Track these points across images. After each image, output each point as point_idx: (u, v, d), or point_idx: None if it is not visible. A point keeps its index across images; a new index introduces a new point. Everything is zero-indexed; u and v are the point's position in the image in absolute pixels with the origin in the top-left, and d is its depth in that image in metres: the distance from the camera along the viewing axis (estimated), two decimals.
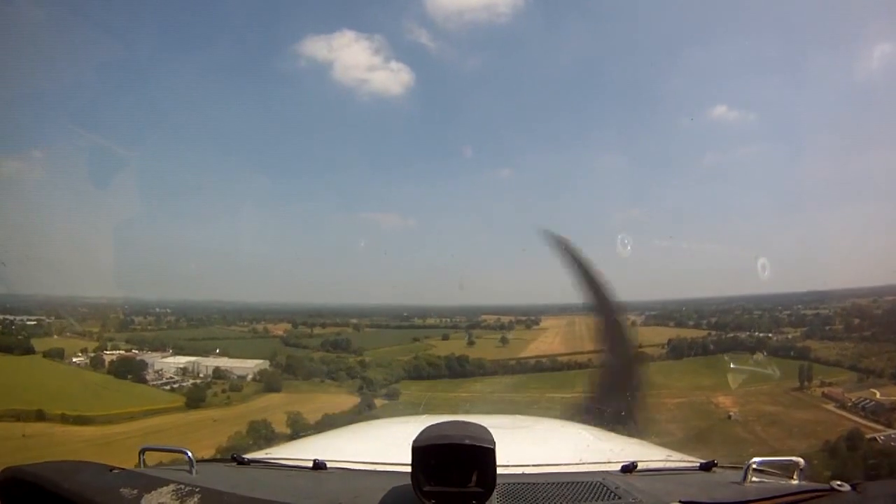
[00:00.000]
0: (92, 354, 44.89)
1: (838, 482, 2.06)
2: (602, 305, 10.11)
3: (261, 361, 47.46)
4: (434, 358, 48.21)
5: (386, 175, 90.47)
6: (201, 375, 45.53)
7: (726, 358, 42.66)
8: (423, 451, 1.86)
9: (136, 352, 47.37)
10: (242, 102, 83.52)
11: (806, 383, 41.35)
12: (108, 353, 45.91)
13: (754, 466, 2.28)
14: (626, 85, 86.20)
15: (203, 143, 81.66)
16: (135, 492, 1.91)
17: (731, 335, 51.82)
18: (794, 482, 2.28)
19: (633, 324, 49.94)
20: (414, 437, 1.91)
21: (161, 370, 45.56)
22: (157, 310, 54.85)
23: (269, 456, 2.97)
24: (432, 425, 2.03)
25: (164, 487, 1.93)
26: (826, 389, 39.91)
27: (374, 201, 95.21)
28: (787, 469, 2.40)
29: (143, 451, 2.57)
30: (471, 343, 56.20)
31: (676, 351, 51.13)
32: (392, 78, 79.12)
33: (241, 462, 2.72)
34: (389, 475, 2.30)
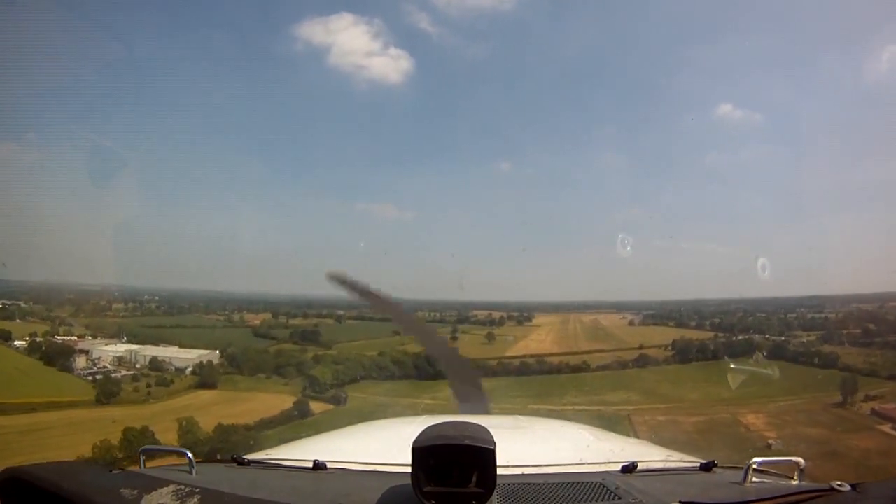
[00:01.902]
0: (39, 339, 40.66)
1: (838, 482, 1.97)
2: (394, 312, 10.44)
3: (208, 352, 41.96)
4: (402, 355, 42.21)
5: (383, 166, 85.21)
6: (138, 366, 40.47)
7: (741, 364, 33.81)
8: (424, 451, 1.78)
9: (80, 339, 42.23)
10: (234, 86, 78.39)
11: (848, 398, 32.85)
12: (58, 338, 41.68)
13: (754, 467, 2.16)
14: (632, 80, 79.24)
15: (195, 129, 75.51)
16: (135, 492, 1.84)
17: (742, 338, 44.82)
18: (795, 482, 2.18)
19: (631, 323, 50.00)
20: (414, 437, 1.83)
21: (98, 358, 40.57)
22: (146, 297, 50.82)
23: (269, 456, 2.79)
24: (432, 426, 1.94)
25: (164, 488, 1.86)
26: (876, 405, 31.09)
27: (371, 192, 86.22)
28: (787, 469, 2.32)
29: (142, 452, 2.45)
30: (453, 339, 47.05)
31: (683, 354, 44.55)
32: (391, 65, 74.19)
33: (241, 462, 2.59)
34: (389, 476, 2.20)
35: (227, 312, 51.43)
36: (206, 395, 37.05)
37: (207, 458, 2.86)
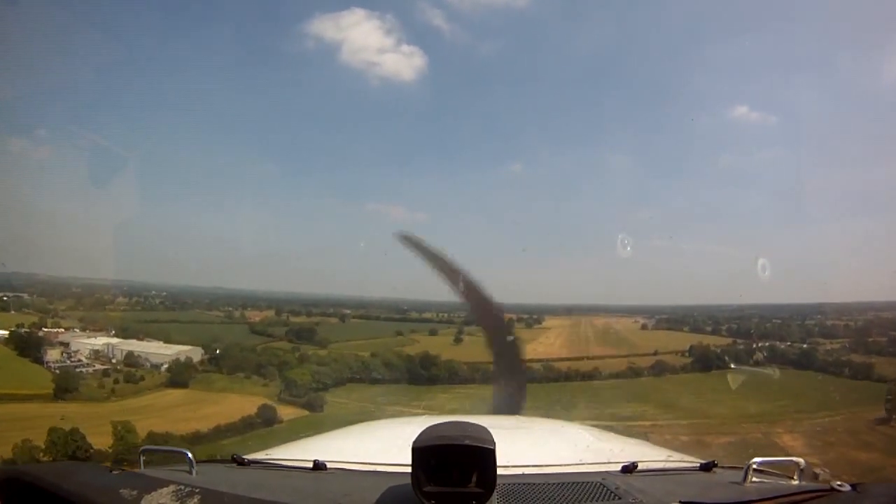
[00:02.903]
0: (25, 330, 38.12)
1: (838, 482, 1.95)
2: (480, 305, 9.05)
3: (189, 349, 38.84)
4: (396, 357, 35.06)
5: (395, 165, 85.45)
6: (114, 360, 37.70)
7: (766, 374, 29.95)
8: (424, 451, 1.76)
9: (66, 331, 39.57)
10: (243, 84, 79.26)
11: (894, 414, 28.31)
12: (45, 329, 39.20)
13: (754, 467, 2.14)
14: (648, 81, 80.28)
15: (205, 129, 77.45)
16: (135, 492, 1.83)
17: (763, 345, 40.25)
18: (795, 482, 2.15)
19: (644, 327, 46.99)
20: (414, 437, 1.82)
21: (76, 351, 37.91)
22: (153, 293, 49.20)
23: (269, 456, 2.74)
24: (432, 426, 1.92)
25: (164, 488, 1.85)
26: None
27: (382, 192, 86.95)
28: (787, 469, 2.30)
29: (142, 452, 2.43)
30: (457, 341, 45.36)
31: (702, 361, 40.02)
32: (404, 62, 72.90)
33: (241, 462, 2.57)
34: (389, 476, 2.18)
35: (230, 308, 49.62)
36: (173, 394, 34.45)
37: (207, 458, 2.72)
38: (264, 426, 29.38)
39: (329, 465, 2.42)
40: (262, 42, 77.93)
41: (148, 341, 40.27)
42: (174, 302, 49.70)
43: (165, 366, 36.92)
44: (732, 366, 35.86)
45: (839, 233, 62.50)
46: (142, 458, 2.37)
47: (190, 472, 2.19)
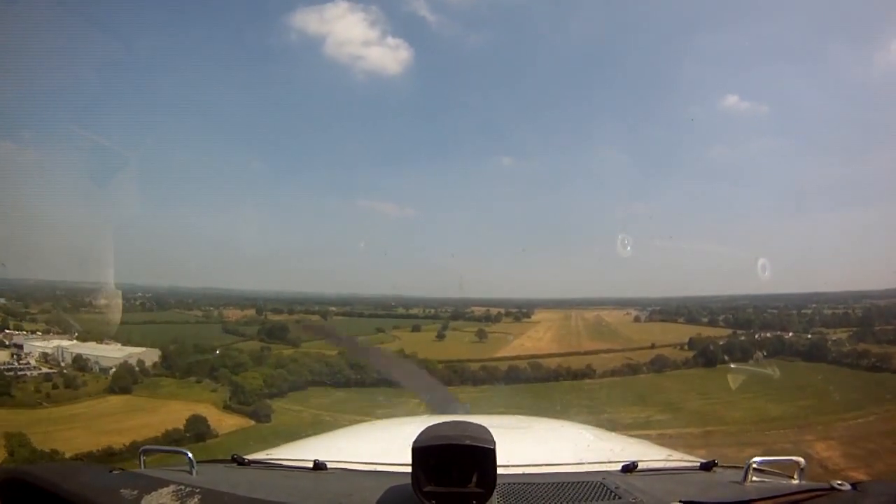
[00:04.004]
0: None
1: (839, 481, 1.92)
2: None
3: (143, 350, 34.32)
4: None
5: (383, 161, 74.99)
6: (62, 363, 33.31)
7: (778, 368, 25.42)
8: (424, 451, 1.76)
9: (28, 334, 35.06)
10: (225, 80, 69.74)
11: None
12: (7, 331, 34.76)
13: (755, 466, 2.12)
14: (639, 71, 70.71)
15: (186, 126, 65.38)
16: (135, 493, 1.82)
17: (768, 336, 36.30)
18: (795, 482, 2.15)
19: (637, 319, 44.36)
20: (414, 437, 1.83)
21: (28, 354, 33.50)
22: (139, 294, 44.41)
23: (269, 456, 2.75)
24: (432, 425, 1.94)
25: (164, 488, 1.84)
26: None
27: (369, 188, 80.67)
28: (787, 469, 2.30)
29: (142, 452, 2.43)
30: (440, 337, 41.75)
31: (705, 355, 35.43)
32: (390, 55, 64.79)
33: (242, 462, 2.56)
34: (390, 475, 2.18)
35: (211, 308, 46.18)
36: (110, 401, 30.74)
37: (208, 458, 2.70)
38: (194, 441, 25.53)
39: (329, 465, 2.39)
40: (243, 37, 75.06)
41: (107, 343, 36.25)
42: (157, 303, 46.38)
43: (114, 369, 33.57)
44: (733, 364, 32.29)
45: (830, 223, 59.70)
46: (142, 458, 2.35)
47: (190, 472, 2.16)
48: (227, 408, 29.17)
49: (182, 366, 33.61)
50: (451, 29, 68.46)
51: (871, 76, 57.03)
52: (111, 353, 33.94)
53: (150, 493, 1.75)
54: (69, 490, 1.75)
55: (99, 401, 30.26)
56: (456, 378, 30.54)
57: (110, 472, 2.03)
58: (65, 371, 32.87)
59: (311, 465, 2.36)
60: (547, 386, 31.34)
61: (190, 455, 2.21)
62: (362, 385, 29.65)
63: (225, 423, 27.51)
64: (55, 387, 30.73)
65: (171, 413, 27.86)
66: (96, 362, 33.39)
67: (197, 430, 26.01)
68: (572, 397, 29.43)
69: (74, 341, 35.04)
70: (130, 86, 66.58)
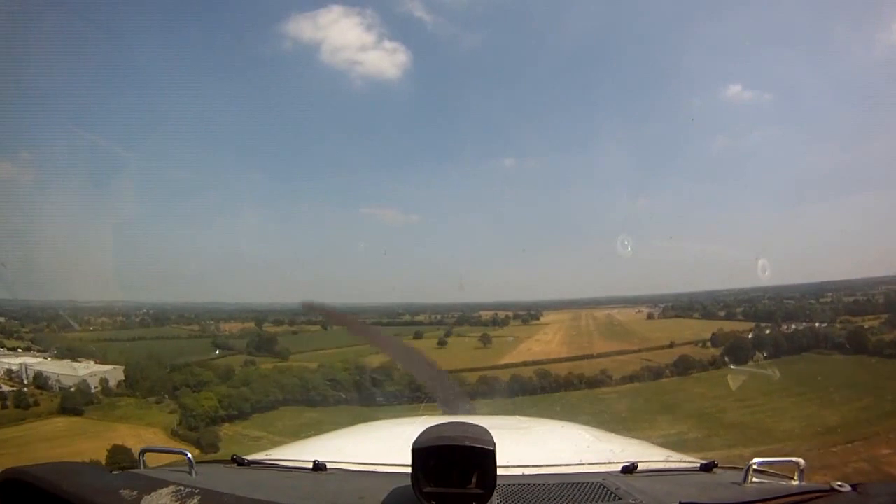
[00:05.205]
0: None
1: (839, 482, 1.88)
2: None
3: (110, 368, 30.38)
4: (342, 372, 31.35)
5: (384, 167, 78.69)
6: (25, 382, 30.32)
7: (822, 364, 23.86)
8: (424, 452, 1.73)
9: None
10: (222, 89, 70.91)
11: None
12: None
13: (755, 467, 2.07)
14: (638, 68, 72.12)
15: (182, 136, 67.70)
16: (135, 493, 1.79)
17: (797, 328, 31.24)
18: (795, 482, 2.07)
19: (650, 316, 41.21)
20: (414, 438, 1.81)
21: None
22: (144, 311, 42.59)
23: (269, 457, 2.69)
24: (432, 426, 1.92)
25: (164, 489, 1.81)
26: None
27: (372, 195, 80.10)
28: (787, 469, 2.22)
29: (142, 453, 2.35)
30: (441, 344, 37.16)
31: (733, 352, 29.36)
32: (387, 59, 65.13)
33: (241, 463, 2.51)
34: (389, 476, 2.13)
35: (211, 322, 43.54)
36: (56, 423, 27.51)
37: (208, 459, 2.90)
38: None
39: (329, 466, 2.35)
40: (237, 45, 76.65)
41: (79, 361, 33.49)
42: (156, 319, 44.30)
43: (73, 388, 30.83)
44: (765, 361, 28.22)
45: (836, 211, 59.97)
46: (142, 459, 2.29)
47: (190, 473, 2.12)
48: (174, 434, 25.76)
49: (146, 384, 30.01)
50: (448, 30, 69.21)
51: (878, 61, 56.78)
52: (73, 372, 31.50)
53: (149, 494, 1.73)
54: (69, 490, 1.72)
55: (44, 423, 27.28)
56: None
57: (110, 472, 2.02)
58: (24, 389, 30.51)
59: (310, 465, 2.33)
60: (556, 397, 27.06)
61: (190, 455, 2.15)
62: (341, 403, 25.91)
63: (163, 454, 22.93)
64: (4, 407, 28.11)
65: (113, 439, 23.80)
66: (58, 381, 31.02)
67: (120, 463, 21.18)
68: (586, 409, 24.61)
69: (46, 359, 33.11)
70: (131, 100, 68.97)
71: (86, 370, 33.00)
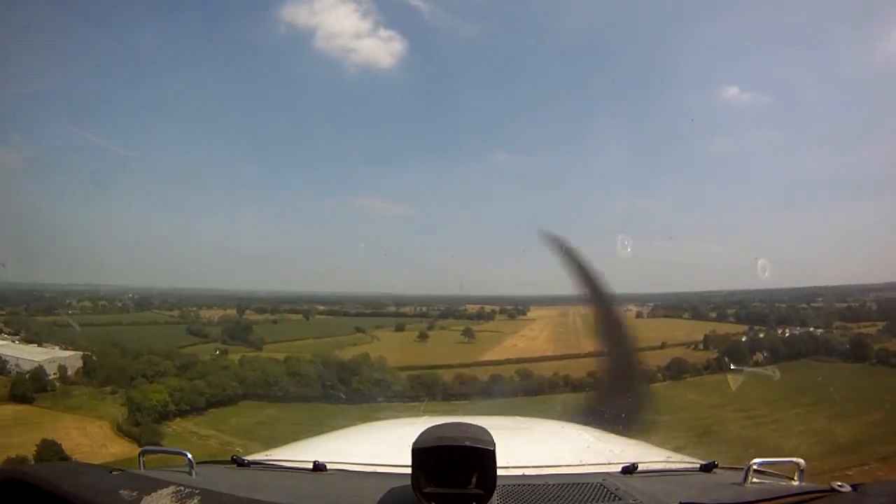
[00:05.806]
0: None
1: (839, 483, 1.87)
2: (601, 302, 8.38)
3: (70, 354, 28.79)
4: (309, 365, 22.62)
5: (376, 157, 76.77)
6: None
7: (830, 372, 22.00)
8: (423, 452, 1.74)
9: None
10: (215, 78, 69.27)
11: None
12: None
13: (755, 467, 2.07)
14: (636, 64, 72.60)
15: (175, 125, 66.51)
16: (134, 493, 1.79)
17: (791, 332, 30.13)
18: (795, 483, 2.09)
19: (639, 315, 39.05)
20: (414, 438, 1.83)
21: None
22: (130, 295, 41.05)
23: (269, 457, 2.67)
24: (432, 427, 1.93)
25: (164, 489, 1.82)
26: None
27: (362, 186, 79.74)
28: (787, 470, 2.23)
29: (142, 453, 2.36)
30: (422, 338, 35.49)
31: (729, 356, 27.58)
32: (382, 47, 63.81)
33: (241, 464, 2.51)
34: (389, 476, 2.13)
35: (193, 308, 42.17)
36: (4, 411, 25.48)
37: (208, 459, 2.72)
38: None
39: (329, 466, 2.34)
40: (230, 28, 74.27)
41: (44, 347, 31.80)
42: (138, 304, 43.07)
43: (27, 375, 28.88)
44: (763, 366, 26.66)
45: (829, 217, 60.45)
46: (142, 459, 2.30)
47: (190, 473, 2.14)
48: (120, 430, 23.92)
49: (101, 374, 28.00)
50: (445, 20, 67.13)
51: (877, 66, 58.21)
52: (33, 357, 29.70)
53: (149, 494, 1.73)
54: (69, 490, 1.73)
55: None
56: (423, 391, 25.72)
57: (110, 472, 2.01)
58: None
59: (310, 465, 2.32)
60: (538, 401, 24.59)
61: (189, 456, 2.16)
62: (305, 399, 23.91)
63: (104, 451, 21.92)
64: None
65: (54, 432, 22.14)
66: (16, 365, 29.34)
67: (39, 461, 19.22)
68: (572, 416, 22.29)
69: (14, 342, 31.40)
70: (124, 88, 69.59)
71: (45, 356, 31.31)
